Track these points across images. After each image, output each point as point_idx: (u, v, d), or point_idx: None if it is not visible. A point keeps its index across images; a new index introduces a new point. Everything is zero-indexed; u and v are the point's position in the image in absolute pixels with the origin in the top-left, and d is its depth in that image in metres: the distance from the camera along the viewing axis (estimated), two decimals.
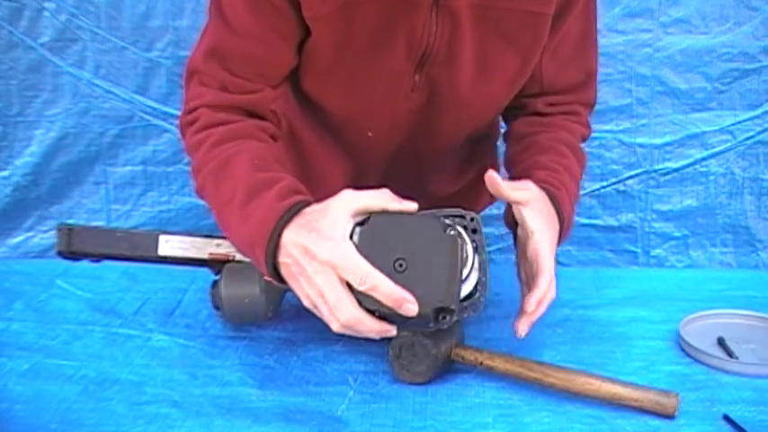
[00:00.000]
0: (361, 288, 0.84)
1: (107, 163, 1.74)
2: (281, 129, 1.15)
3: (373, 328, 0.87)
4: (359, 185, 1.17)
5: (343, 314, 0.85)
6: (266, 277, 0.93)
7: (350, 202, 0.89)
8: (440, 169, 1.25)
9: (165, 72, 1.69)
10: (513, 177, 1.11)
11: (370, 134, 1.13)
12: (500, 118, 1.27)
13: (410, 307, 0.84)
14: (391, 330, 0.88)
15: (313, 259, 0.85)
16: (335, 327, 0.87)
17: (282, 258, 0.89)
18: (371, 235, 0.87)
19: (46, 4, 1.63)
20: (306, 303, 0.89)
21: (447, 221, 0.90)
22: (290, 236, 0.88)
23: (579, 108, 1.18)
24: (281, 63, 1.05)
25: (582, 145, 1.18)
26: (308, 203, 0.91)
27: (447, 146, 1.20)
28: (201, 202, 1.82)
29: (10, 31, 1.64)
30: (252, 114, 1.04)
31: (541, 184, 1.03)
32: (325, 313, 0.87)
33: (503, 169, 1.21)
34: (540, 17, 1.04)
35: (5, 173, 1.72)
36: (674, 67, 1.66)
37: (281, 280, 0.91)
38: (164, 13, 1.66)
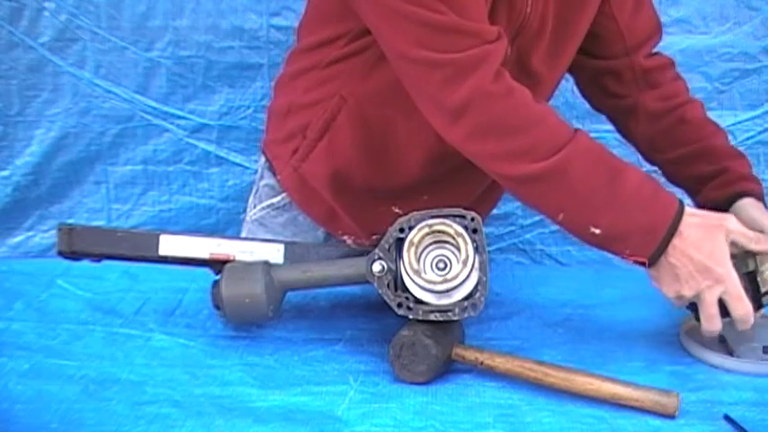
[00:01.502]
0: (737, 319, 0.99)
1: (107, 162, 1.74)
2: (346, 103, 1.16)
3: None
4: (436, 167, 1.17)
5: (740, 289, 0.96)
6: (632, 258, 1.00)
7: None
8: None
9: (165, 72, 1.69)
10: (666, 161, 1.20)
11: None
12: None
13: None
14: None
15: (711, 277, 0.96)
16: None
17: (677, 243, 0.96)
18: None
19: (46, 4, 1.63)
20: (672, 299, 1.00)
21: None
22: (687, 223, 0.97)
23: (666, 59, 1.25)
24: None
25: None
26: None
27: None
28: (203, 201, 1.83)
29: (10, 31, 1.64)
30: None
31: (745, 189, 1.12)
32: (716, 290, 0.97)
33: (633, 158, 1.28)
34: None
35: (6, 172, 1.72)
36: None
37: (653, 263, 0.98)
38: (164, 13, 1.66)
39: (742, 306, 0.98)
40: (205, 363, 1.05)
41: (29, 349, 1.08)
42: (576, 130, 1.00)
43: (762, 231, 1.04)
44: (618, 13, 1.18)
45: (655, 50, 1.25)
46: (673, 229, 0.97)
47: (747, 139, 1.69)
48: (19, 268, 1.34)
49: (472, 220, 0.96)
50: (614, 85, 1.24)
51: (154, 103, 1.70)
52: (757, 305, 1.01)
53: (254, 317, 1.07)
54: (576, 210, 1.00)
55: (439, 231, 0.96)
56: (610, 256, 1.73)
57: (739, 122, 1.68)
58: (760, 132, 1.68)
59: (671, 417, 0.91)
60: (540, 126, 0.98)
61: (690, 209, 1.00)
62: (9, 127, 1.70)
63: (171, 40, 1.67)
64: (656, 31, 1.25)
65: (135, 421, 0.92)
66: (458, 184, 1.18)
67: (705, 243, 0.97)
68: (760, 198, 1.12)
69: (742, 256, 1.00)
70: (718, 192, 1.14)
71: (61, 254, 1.11)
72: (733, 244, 0.99)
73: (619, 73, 1.23)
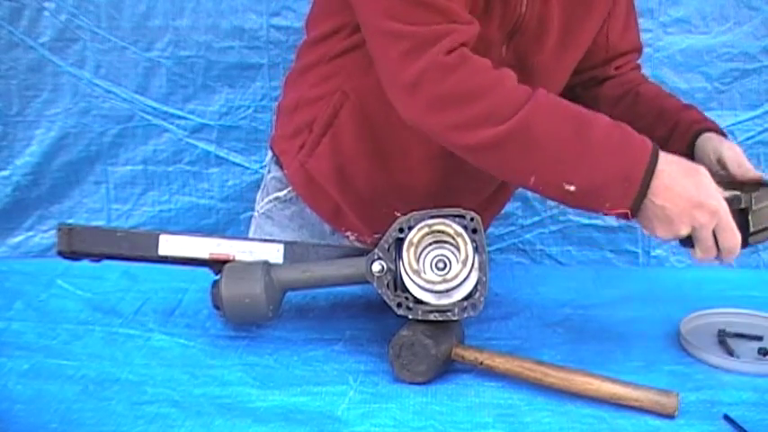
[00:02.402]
0: (724, 252, 0.97)
1: (107, 162, 1.74)
2: (348, 99, 1.16)
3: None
4: (430, 171, 1.18)
5: (731, 222, 0.95)
6: (620, 210, 0.96)
7: None
8: None
9: (165, 72, 1.69)
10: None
11: None
12: None
13: None
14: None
15: (706, 211, 0.94)
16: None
17: (661, 182, 0.94)
18: None
19: (46, 4, 1.63)
20: (667, 238, 0.97)
21: None
22: (667, 161, 0.95)
23: (635, 64, 1.27)
24: None
25: None
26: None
27: None
28: (203, 201, 1.83)
29: (10, 31, 1.64)
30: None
31: (698, 129, 1.11)
32: (709, 223, 0.95)
33: None
34: None
35: (6, 172, 1.72)
36: (674, 67, 1.66)
37: (636, 211, 0.96)
38: (164, 13, 1.66)
39: (732, 237, 0.96)
40: (205, 363, 1.05)
41: (28, 349, 1.08)
42: (535, 89, 0.98)
43: (720, 159, 1.06)
44: (610, 30, 1.21)
45: (630, 63, 1.29)
46: (650, 171, 0.94)
47: (747, 139, 1.68)
48: (19, 268, 1.34)
49: (472, 219, 0.96)
50: (580, 90, 1.25)
51: (154, 103, 1.71)
52: (744, 243, 0.99)
53: (254, 317, 1.07)
54: (546, 169, 0.96)
55: (438, 231, 0.96)
56: (610, 256, 1.75)
57: (739, 122, 1.68)
58: (760, 132, 1.68)
59: (670, 417, 0.91)
60: (496, 90, 0.96)
61: (664, 152, 0.98)
62: (9, 127, 1.70)
63: (171, 40, 1.67)
64: (637, 50, 1.28)
65: (134, 421, 0.92)
66: (463, 188, 1.18)
67: (688, 179, 0.96)
68: (717, 133, 1.12)
69: (734, 195, 0.99)
70: (678, 144, 1.12)
71: (61, 254, 1.11)
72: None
73: (587, 79, 1.25)
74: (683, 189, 0.95)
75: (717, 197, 0.96)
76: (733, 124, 1.68)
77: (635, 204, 0.95)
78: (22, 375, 1.01)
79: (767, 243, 1.03)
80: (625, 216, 0.97)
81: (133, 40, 1.66)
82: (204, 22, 1.67)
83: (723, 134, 1.12)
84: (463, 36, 0.98)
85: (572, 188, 0.95)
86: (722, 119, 1.67)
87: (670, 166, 0.96)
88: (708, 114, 1.66)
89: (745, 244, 0.99)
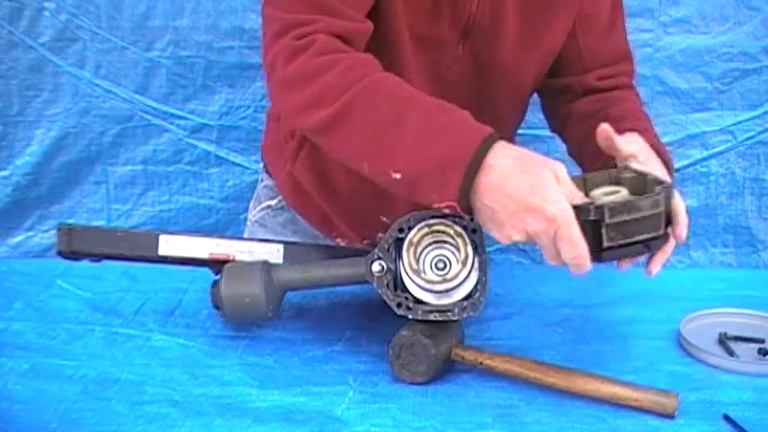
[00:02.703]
0: (568, 262, 0.86)
1: (107, 162, 1.74)
2: None
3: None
4: None
5: (573, 234, 0.84)
6: (444, 203, 0.87)
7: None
8: None
9: (165, 72, 1.69)
10: (584, 157, 1.12)
11: None
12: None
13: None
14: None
15: (539, 216, 0.83)
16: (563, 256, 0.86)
17: (489, 179, 0.84)
18: None
19: (46, 4, 1.63)
20: (506, 242, 0.87)
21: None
22: (502, 155, 0.85)
23: (627, 81, 1.20)
24: None
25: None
26: (501, 137, 0.88)
27: (498, 119, 1.18)
28: (203, 201, 1.83)
29: (10, 31, 1.64)
30: (356, 50, 1.00)
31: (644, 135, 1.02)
32: (545, 232, 0.84)
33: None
34: None
35: (6, 172, 1.72)
36: (674, 67, 1.66)
37: (466, 205, 0.87)
38: (164, 13, 1.66)
39: (572, 250, 0.84)
40: (204, 363, 1.05)
41: (28, 349, 1.08)
42: (375, 72, 0.94)
43: (615, 153, 0.96)
44: (581, 35, 1.16)
45: (620, 77, 1.21)
46: (476, 164, 0.84)
47: (747, 139, 1.69)
48: (19, 268, 1.34)
49: (471, 219, 0.96)
50: (557, 103, 1.22)
51: (154, 103, 1.70)
52: (596, 258, 0.87)
53: (254, 317, 1.07)
54: (373, 155, 0.91)
55: (438, 231, 0.96)
56: None
57: (739, 122, 1.68)
58: (760, 132, 1.68)
59: (670, 417, 0.91)
60: (329, 73, 0.93)
61: (508, 144, 0.88)
62: (9, 127, 1.70)
63: (171, 40, 1.67)
64: (621, 59, 1.21)
65: (134, 421, 0.92)
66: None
67: (523, 176, 0.84)
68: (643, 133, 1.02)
69: (586, 204, 0.86)
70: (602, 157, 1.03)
71: (61, 254, 1.11)
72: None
73: (564, 89, 1.20)
74: (515, 189, 0.84)
75: (558, 201, 0.83)
76: (733, 124, 1.68)
77: (461, 200, 0.86)
78: (22, 375, 1.01)
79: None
80: (455, 210, 0.88)
81: (133, 40, 1.66)
82: (204, 22, 1.67)
83: (666, 163, 1.02)
84: (330, 27, 0.96)
85: (398, 176, 0.89)
86: (722, 119, 1.68)
87: (504, 160, 0.85)
88: (708, 114, 1.67)
89: (598, 258, 0.87)
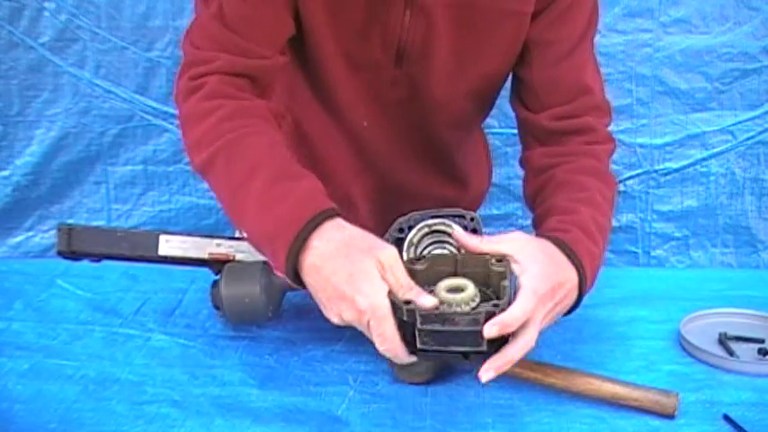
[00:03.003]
0: (382, 352, 0.82)
1: (107, 162, 1.74)
2: (284, 119, 1.15)
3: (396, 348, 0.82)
4: (365, 180, 1.18)
5: (385, 330, 0.81)
6: (278, 272, 0.88)
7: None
8: (438, 165, 1.23)
9: (165, 72, 1.69)
10: (535, 216, 1.06)
11: (365, 123, 1.14)
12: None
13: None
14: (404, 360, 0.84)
15: (349, 306, 0.81)
16: (373, 342, 0.83)
17: (307, 270, 0.84)
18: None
19: (46, 4, 1.63)
20: (331, 312, 0.84)
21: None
22: (327, 237, 0.83)
23: (592, 121, 1.09)
24: (284, 28, 1.02)
25: (609, 163, 1.10)
26: (338, 213, 0.87)
27: (440, 139, 1.19)
28: (202, 201, 1.83)
29: (10, 31, 1.64)
30: (259, 87, 1.01)
31: (548, 233, 0.95)
32: (358, 322, 0.82)
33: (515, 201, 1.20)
34: (518, 16, 1.04)
35: (6, 172, 1.72)
36: (674, 67, 1.66)
37: (297, 278, 0.86)
38: (164, 13, 1.66)
39: (382, 343, 0.82)
40: (205, 363, 1.05)
41: (29, 349, 1.08)
42: (245, 127, 0.94)
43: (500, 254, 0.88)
44: (536, 63, 1.07)
45: (581, 117, 1.09)
46: (300, 242, 0.83)
47: (747, 139, 1.69)
48: (19, 268, 1.34)
49: (471, 220, 0.96)
50: (520, 136, 1.15)
51: (154, 104, 1.71)
52: (414, 353, 0.83)
53: (254, 317, 1.07)
54: (228, 210, 0.93)
55: (438, 231, 0.96)
56: (610, 256, 1.75)
57: (739, 122, 1.68)
58: (760, 132, 1.68)
59: (670, 417, 0.91)
60: (209, 119, 0.94)
61: (343, 222, 0.86)
62: (9, 127, 1.70)
63: (171, 40, 1.67)
64: (581, 93, 1.09)
65: (134, 421, 0.92)
66: (400, 200, 1.10)
67: (342, 263, 0.82)
68: (560, 243, 0.93)
69: (400, 304, 0.80)
70: None
71: (61, 254, 1.11)
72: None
73: (522, 123, 1.13)
74: (333, 273, 0.82)
75: (371, 295, 0.80)
76: (733, 124, 1.68)
77: (288, 273, 0.85)
78: (22, 375, 1.01)
79: None
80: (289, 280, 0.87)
81: (133, 40, 1.67)
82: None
83: (562, 244, 0.93)
84: (227, 66, 0.98)
85: (245, 234, 0.93)
86: (722, 119, 1.68)
87: (327, 243, 0.83)
88: (708, 114, 1.67)
89: (415, 354, 0.83)
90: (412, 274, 0.86)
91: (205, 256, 1.10)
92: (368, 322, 0.81)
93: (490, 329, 0.79)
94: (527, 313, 0.82)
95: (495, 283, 0.86)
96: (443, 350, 0.82)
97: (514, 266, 0.86)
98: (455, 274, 0.87)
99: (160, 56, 1.68)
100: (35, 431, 0.90)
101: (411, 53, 1.04)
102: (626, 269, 1.63)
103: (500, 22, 1.04)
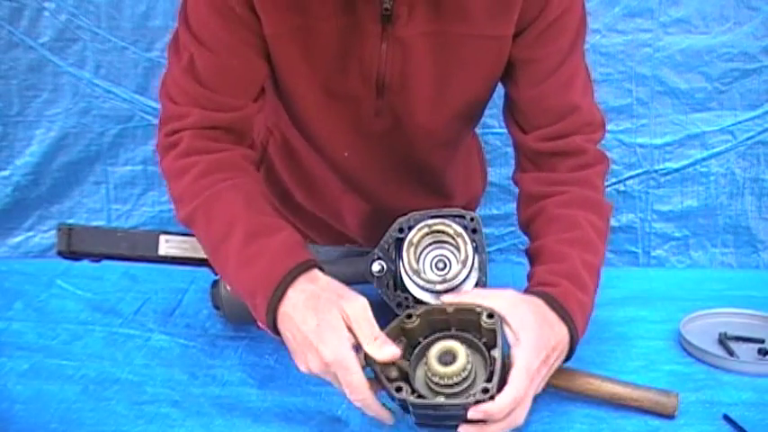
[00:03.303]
0: (354, 403, 0.84)
1: (107, 163, 1.74)
2: (272, 135, 1.17)
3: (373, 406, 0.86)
4: (351, 199, 1.19)
5: (352, 380, 0.83)
6: (261, 325, 0.91)
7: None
8: (426, 183, 1.22)
9: None
10: (527, 249, 1.05)
11: (346, 154, 1.13)
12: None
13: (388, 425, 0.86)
14: (387, 420, 0.87)
15: (316, 356, 0.84)
16: (341, 389, 0.85)
17: (282, 321, 0.87)
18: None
19: (46, 4, 1.63)
20: (300, 362, 0.87)
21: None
22: (294, 309, 0.86)
23: (580, 141, 1.06)
24: (257, 75, 1.03)
25: (602, 185, 1.08)
26: (314, 264, 0.90)
27: (426, 161, 1.17)
28: None
29: (10, 31, 1.63)
30: (235, 135, 1.02)
31: (538, 288, 0.95)
32: (324, 373, 0.85)
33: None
34: (499, 40, 1.02)
35: (6, 172, 1.72)
36: (674, 67, 1.65)
37: (278, 331, 0.89)
38: (164, 13, 1.65)
39: (351, 394, 0.84)
40: (204, 363, 1.06)
41: (28, 349, 1.08)
42: (219, 183, 0.96)
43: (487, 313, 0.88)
44: (522, 82, 1.05)
45: (569, 137, 1.06)
46: (278, 296, 0.86)
47: (747, 139, 1.68)
48: (19, 268, 1.34)
49: (471, 220, 0.96)
50: (515, 152, 1.13)
51: (154, 104, 1.70)
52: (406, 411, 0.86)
53: (254, 317, 1.06)
54: (213, 262, 0.98)
55: (438, 231, 0.96)
56: (610, 256, 1.75)
57: (739, 122, 1.68)
58: (760, 132, 1.68)
59: (670, 417, 0.92)
60: (186, 177, 0.97)
61: (318, 274, 0.89)
62: (9, 127, 1.70)
63: None
64: (569, 112, 1.05)
65: (134, 421, 0.92)
66: (390, 217, 1.07)
67: (311, 315, 0.85)
68: (550, 299, 0.93)
69: (393, 392, 0.84)
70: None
71: (61, 254, 1.11)
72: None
73: (513, 140, 1.11)
74: (303, 323, 0.85)
75: (334, 347, 0.83)
76: (733, 124, 1.68)
77: (269, 325, 0.89)
78: (22, 375, 1.01)
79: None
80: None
81: (133, 40, 1.66)
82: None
83: (551, 299, 0.93)
84: (200, 121, 0.99)
85: (229, 288, 0.95)
86: (722, 119, 1.68)
87: (300, 294, 0.86)
88: (708, 114, 1.67)
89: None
90: (405, 331, 0.90)
91: (205, 256, 1.10)
92: (334, 374, 0.84)
93: (475, 414, 0.82)
94: (517, 400, 0.84)
95: (486, 334, 0.88)
96: (436, 424, 0.87)
97: (507, 332, 0.88)
98: (448, 327, 0.91)
99: (160, 56, 1.67)
100: (35, 431, 0.90)
101: (391, 84, 1.03)
102: (626, 269, 1.63)
103: (480, 48, 1.02)
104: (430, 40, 1.00)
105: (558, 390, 0.95)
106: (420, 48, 1.00)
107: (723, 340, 1.09)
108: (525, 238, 1.09)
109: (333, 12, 0.97)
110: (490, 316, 0.88)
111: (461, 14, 0.98)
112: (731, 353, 1.06)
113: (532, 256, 1.02)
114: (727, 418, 0.91)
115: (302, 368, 0.87)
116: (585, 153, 1.06)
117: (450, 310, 0.90)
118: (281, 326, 0.88)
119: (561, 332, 0.91)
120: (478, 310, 0.89)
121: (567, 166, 1.05)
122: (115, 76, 1.68)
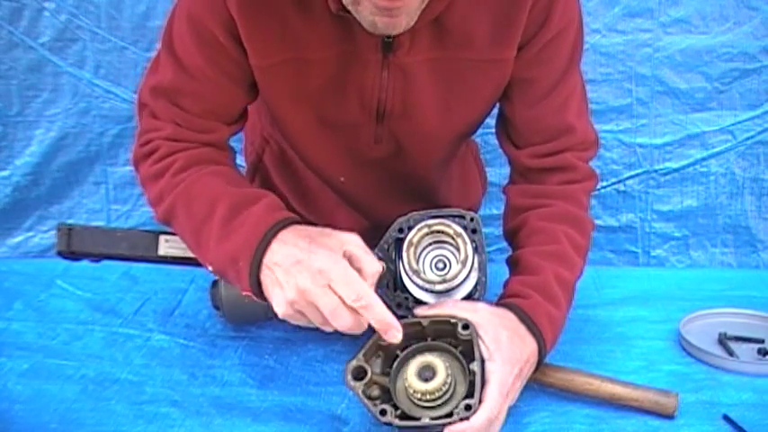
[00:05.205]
0: (354, 305, 0.82)
1: (107, 163, 1.74)
2: (268, 144, 1.18)
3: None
4: (347, 213, 1.20)
5: (342, 320, 0.82)
6: (244, 292, 0.89)
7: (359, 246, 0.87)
8: (422, 198, 1.21)
9: None
10: (508, 258, 1.06)
11: (342, 179, 1.13)
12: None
13: (395, 334, 0.84)
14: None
15: (305, 269, 0.82)
16: (329, 329, 0.85)
17: (267, 266, 0.85)
18: None
19: (46, 4, 1.62)
20: (283, 311, 0.84)
21: None
22: (282, 244, 0.85)
23: (571, 158, 1.07)
24: (233, 105, 1.03)
25: (588, 201, 1.09)
26: (299, 221, 0.90)
27: (423, 178, 1.17)
28: None
29: (10, 31, 1.63)
30: (212, 146, 1.03)
31: (509, 300, 0.96)
32: (317, 320, 0.84)
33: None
34: (502, 63, 1.01)
35: (5, 173, 1.72)
36: (674, 67, 1.65)
37: (260, 294, 0.87)
38: (164, 13, 1.64)
39: (350, 295, 0.82)
40: (204, 363, 1.06)
41: (28, 349, 1.08)
42: (204, 168, 0.98)
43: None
44: (517, 100, 1.05)
45: (560, 154, 1.07)
46: (261, 250, 0.86)
47: (747, 139, 1.68)
48: (19, 268, 1.34)
49: (471, 220, 0.96)
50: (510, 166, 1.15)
51: None
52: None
53: (254, 317, 1.07)
54: (195, 247, 0.97)
55: (438, 231, 0.96)
56: (610, 256, 1.75)
57: (739, 122, 1.68)
58: (760, 132, 1.68)
59: (670, 417, 0.92)
60: (164, 176, 0.98)
61: (302, 226, 0.89)
62: (9, 127, 1.70)
63: None
64: (562, 132, 1.06)
65: (134, 421, 0.92)
66: (380, 232, 1.07)
67: (303, 241, 0.85)
68: (520, 312, 0.94)
69: (375, 412, 0.86)
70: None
71: (61, 254, 1.11)
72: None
73: (505, 153, 1.13)
74: (294, 245, 0.85)
75: (329, 255, 0.83)
76: (733, 124, 1.68)
77: (255, 288, 0.87)
78: (22, 375, 1.01)
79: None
80: (252, 296, 0.88)
81: (133, 40, 1.66)
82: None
83: (521, 310, 0.95)
84: (177, 135, 1.00)
85: (211, 268, 0.95)
86: (722, 119, 1.67)
87: (287, 239, 0.86)
88: (708, 114, 1.66)
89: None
90: (381, 347, 0.90)
91: None
92: (323, 289, 0.81)
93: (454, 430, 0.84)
94: (491, 419, 0.85)
95: (462, 344, 0.90)
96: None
97: (481, 345, 0.89)
98: (424, 337, 0.91)
99: None
100: (35, 431, 0.90)
101: (392, 111, 1.02)
102: (626, 269, 1.63)
103: (483, 72, 1.01)
104: (433, 66, 0.99)
105: (558, 390, 0.95)
106: (423, 74, 0.99)
107: (723, 340, 1.09)
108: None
109: (329, 43, 0.95)
110: (465, 327, 0.89)
111: (465, 40, 0.97)
112: (731, 353, 1.06)
113: (510, 266, 1.04)
114: (726, 418, 0.92)
115: (280, 308, 0.84)
116: (575, 169, 1.07)
117: (425, 323, 0.91)
118: (266, 278, 0.85)
119: (531, 345, 0.92)
120: (453, 321, 0.90)
121: (555, 180, 1.07)
122: (115, 76, 1.68)
